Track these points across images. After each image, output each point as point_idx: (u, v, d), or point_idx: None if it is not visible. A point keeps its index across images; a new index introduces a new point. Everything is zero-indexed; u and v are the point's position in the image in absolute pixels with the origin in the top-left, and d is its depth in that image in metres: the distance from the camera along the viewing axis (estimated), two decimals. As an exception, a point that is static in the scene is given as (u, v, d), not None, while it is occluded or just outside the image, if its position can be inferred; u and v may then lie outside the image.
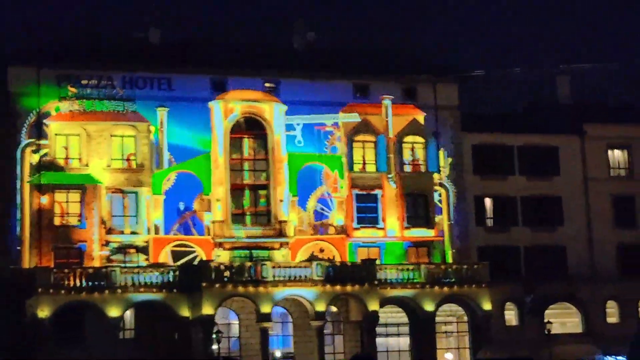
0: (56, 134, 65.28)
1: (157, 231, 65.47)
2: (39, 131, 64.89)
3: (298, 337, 65.32)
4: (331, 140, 69.61)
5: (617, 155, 75.91)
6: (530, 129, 74.31)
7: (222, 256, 65.66)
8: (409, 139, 70.67)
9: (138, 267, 63.20)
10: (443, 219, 70.31)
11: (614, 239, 74.18)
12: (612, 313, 72.24)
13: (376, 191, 69.51)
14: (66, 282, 60.13)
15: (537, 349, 63.04)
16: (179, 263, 64.18)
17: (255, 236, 66.84)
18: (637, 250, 73.99)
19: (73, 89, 65.43)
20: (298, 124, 68.67)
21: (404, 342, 66.73)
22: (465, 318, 67.11)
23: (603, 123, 75.38)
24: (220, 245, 66.10)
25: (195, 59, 69.15)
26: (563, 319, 70.64)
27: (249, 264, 62.52)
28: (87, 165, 65.30)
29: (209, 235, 66.28)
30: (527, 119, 76.61)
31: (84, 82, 65.56)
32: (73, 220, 64.84)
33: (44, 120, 65.02)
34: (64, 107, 65.21)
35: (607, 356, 66.86)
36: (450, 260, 69.19)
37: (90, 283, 60.44)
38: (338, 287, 62.86)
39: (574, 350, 65.24)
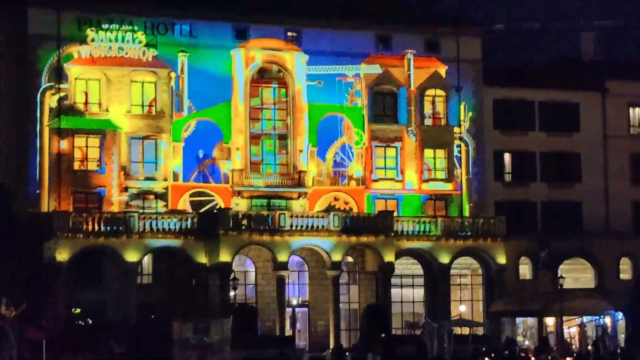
0: (76, 78, 65.07)
1: (176, 178, 65.55)
2: (59, 75, 64.54)
3: (314, 286, 65.88)
4: (352, 92, 69.37)
5: (637, 113, 75.63)
6: (552, 84, 73.82)
7: (240, 204, 65.82)
8: (430, 92, 70.35)
9: (157, 213, 63.41)
10: (462, 173, 70.32)
11: (630, 196, 74.13)
12: (625, 269, 72.21)
13: (396, 143, 69.43)
14: (85, 227, 60.52)
15: (549, 303, 63.43)
16: (201, 211, 64.24)
17: (273, 185, 66.94)
18: (653, 208, 74.12)
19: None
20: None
21: (419, 293, 67.20)
22: (480, 271, 67.52)
23: (625, 81, 74.98)
24: (239, 193, 66.22)
25: (217, 6, 68.29)
26: (576, 274, 70.90)
27: (266, 212, 62.87)
28: (107, 110, 65.09)
29: (227, 183, 66.39)
30: (549, 74, 76.04)
31: (104, 26, 65.11)
32: (92, 165, 64.99)
33: (64, 64, 64.73)
34: (85, 51, 64.88)
35: (619, 312, 67.08)
36: (467, 214, 69.34)
37: (108, 228, 60.81)
38: (354, 238, 63.30)
39: (584, 305, 65.33)
